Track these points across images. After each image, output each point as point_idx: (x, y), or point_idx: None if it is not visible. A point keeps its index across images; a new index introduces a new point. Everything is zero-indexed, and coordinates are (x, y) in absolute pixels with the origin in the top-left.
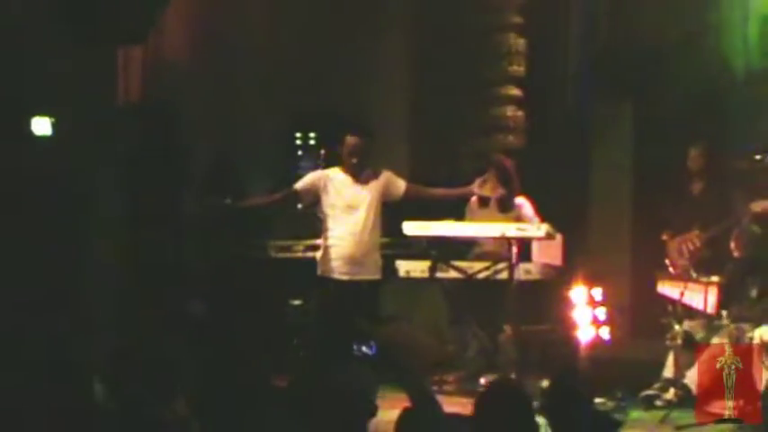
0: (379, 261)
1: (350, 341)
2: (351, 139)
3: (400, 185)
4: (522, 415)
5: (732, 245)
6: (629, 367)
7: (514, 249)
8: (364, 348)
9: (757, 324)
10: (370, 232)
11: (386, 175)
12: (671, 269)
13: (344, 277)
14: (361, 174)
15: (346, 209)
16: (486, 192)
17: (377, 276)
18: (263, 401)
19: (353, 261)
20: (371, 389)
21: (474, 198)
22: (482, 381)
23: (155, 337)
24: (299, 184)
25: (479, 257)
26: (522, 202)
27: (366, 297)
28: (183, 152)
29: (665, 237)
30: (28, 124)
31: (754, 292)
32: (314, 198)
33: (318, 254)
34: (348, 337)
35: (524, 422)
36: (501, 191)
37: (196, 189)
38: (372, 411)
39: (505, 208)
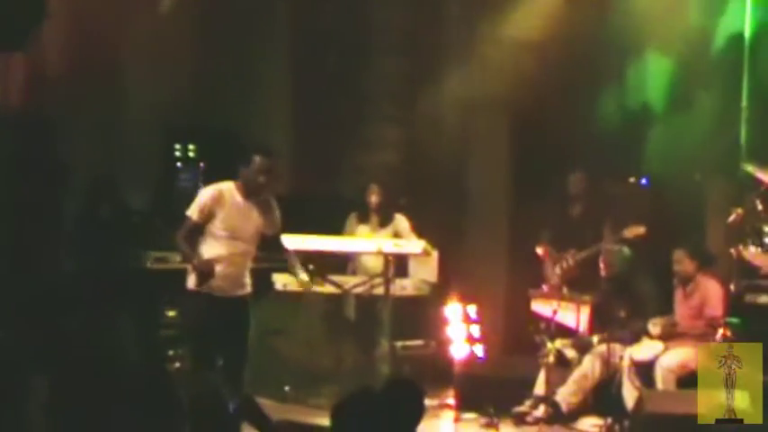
0: (249, 277)
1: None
2: (261, 160)
3: (276, 228)
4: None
5: (601, 265)
6: (501, 384)
7: (390, 265)
8: None
9: (627, 344)
10: (248, 257)
11: (275, 211)
12: (545, 287)
13: (220, 294)
14: (258, 197)
15: (232, 234)
16: None
17: (248, 291)
18: (132, 411)
19: (230, 280)
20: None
21: (353, 213)
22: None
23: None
24: (197, 214)
25: (357, 273)
26: (399, 217)
27: (240, 312)
28: (62, 162)
29: (540, 250)
30: None
31: (623, 313)
32: (209, 218)
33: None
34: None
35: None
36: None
37: (74, 200)
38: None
39: (384, 224)
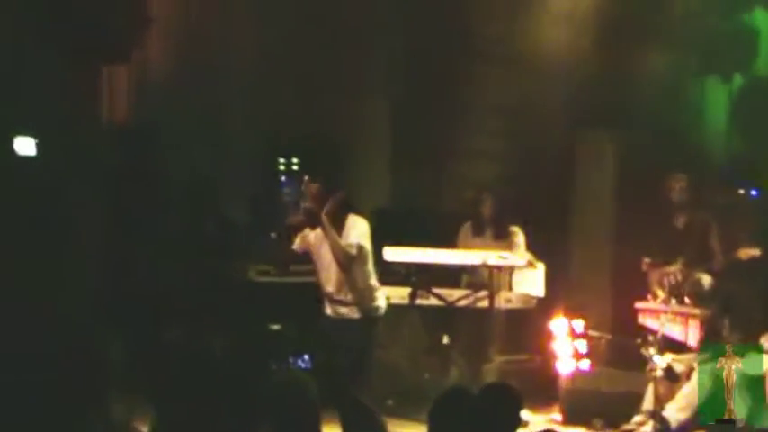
0: (361, 299)
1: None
2: (308, 186)
3: (344, 252)
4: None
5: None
6: (608, 399)
7: (495, 278)
8: (299, 362)
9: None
10: (334, 282)
11: (348, 234)
12: (651, 301)
13: (331, 315)
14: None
15: (317, 262)
16: None
17: (354, 315)
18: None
19: (331, 303)
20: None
21: (468, 224)
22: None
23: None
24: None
25: (470, 286)
26: (516, 230)
27: (339, 333)
28: (165, 173)
29: (645, 263)
30: (11, 143)
31: (726, 330)
32: (306, 247)
33: None
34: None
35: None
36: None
37: (177, 211)
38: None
39: (499, 236)
